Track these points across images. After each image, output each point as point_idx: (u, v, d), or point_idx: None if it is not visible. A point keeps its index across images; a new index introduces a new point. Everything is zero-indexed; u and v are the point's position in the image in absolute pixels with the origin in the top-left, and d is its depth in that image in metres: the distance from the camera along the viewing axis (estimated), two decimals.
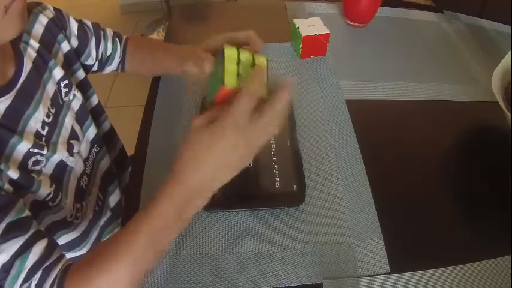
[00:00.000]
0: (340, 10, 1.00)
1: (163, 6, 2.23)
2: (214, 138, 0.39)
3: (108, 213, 0.73)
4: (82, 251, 0.67)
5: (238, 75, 0.43)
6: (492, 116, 0.73)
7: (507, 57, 0.71)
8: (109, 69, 0.74)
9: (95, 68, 0.72)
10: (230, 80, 0.41)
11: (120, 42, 0.73)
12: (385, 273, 0.54)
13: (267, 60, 0.45)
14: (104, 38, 0.70)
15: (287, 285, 0.53)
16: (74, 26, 0.65)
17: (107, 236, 0.74)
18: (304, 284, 0.53)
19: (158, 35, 2.18)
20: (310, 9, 1.02)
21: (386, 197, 0.62)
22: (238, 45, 0.47)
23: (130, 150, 0.83)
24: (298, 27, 0.82)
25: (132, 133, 0.80)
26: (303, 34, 0.81)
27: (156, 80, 0.80)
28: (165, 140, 0.69)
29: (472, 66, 0.88)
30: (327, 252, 0.56)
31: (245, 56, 0.44)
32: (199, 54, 0.61)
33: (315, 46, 0.84)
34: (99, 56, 0.70)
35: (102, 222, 0.71)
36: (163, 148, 0.67)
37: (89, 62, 0.69)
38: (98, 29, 0.70)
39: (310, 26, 0.83)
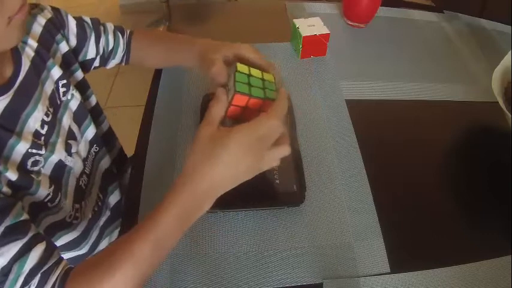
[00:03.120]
0: (340, 10, 1.00)
1: (163, 6, 2.23)
2: (219, 150, 0.42)
3: (108, 213, 0.73)
4: (82, 250, 0.67)
5: (250, 84, 0.47)
6: (492, 116, 0.73)
7: (507, 57, 0.71)
8: (113, 63, 0.74)
9: (97, 63, 0.72)
10: (242, 88, 0.46)
11: (122, 35, 0.72)
12: (385, 273, 0.54)
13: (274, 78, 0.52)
14: (105, 33, 0.70)
15: (287, 285, 0.53)
16: (72, 24, 0.65)
17: (107, 237, 0.73)
18: (304, 284, 0.53)
19: None
20: (310, 9, 1.02)
21: (386, 197, 0.62)
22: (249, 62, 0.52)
23: (130, 150, 0.83)
24: (298, 27, 0.82)
25: (132, 133, 0.80)
26: (303, 34, 0.81)
27: (156, 80, 0.80)
28: (165, 140, 0.69)
29: (472, 66, 0.88)
30: (327, 252, 0.56)
31: (255, 71, 0.50)
32: (211, 60, 0.60)
33: (315, 46, 0.84)
34: (101, 51, 0.70)
35: (101, 222, 0.71)
36: (163, 148, 0.67)
37: (90, 56, 0.69)
38: (97, 24, 0.69)
39: (310, 26, 0.83)
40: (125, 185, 0.82)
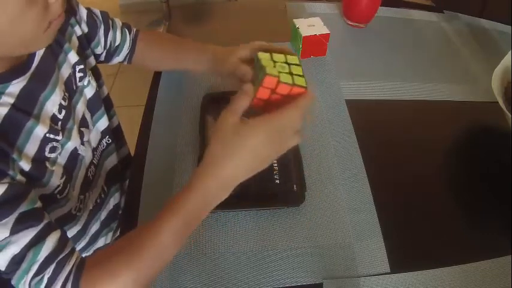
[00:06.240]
0: (340, 10, 1.00)
1: (163, 6, 2.23)
2: (240, 142, 0.42)
3: (107, 212, 0.73)
4: (81, 244, 0.67)
5: (277, 68, 0.46)
6: (492, 116, 0.73)
7: (507, 57, 0.71)
8: (116, 60, 0.73)
9: (102, 58, 0.71)
10: (272, 71, 0.45)
11: (129, 33, 0.72)
12: (385, 273, 0.54)
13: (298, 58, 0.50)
14: (113, 27, 0.69)
15: (287, 285, 0.53)
16: (83, 12, 0.64)
17: (104, 237, 0.73)
18: (304, 284, 0.53)
19: None
20: (310, 9, 1.02)
21: (386, 197, 0.62)
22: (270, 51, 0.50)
23: (130, 150, 0.83)
24: (298, 27, 0.82)
25: (132, 133, 0.80)
26: (303, 34, 0.81)
27: (156, 80, 0.80)
28: (165, 140, 0.69)
29: (472, 66, 0.88)
30: (327, 252, 0.56)
31: (278, 56, 0.49)
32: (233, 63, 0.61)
33: (315, 46, 0.84)
34: (108, 45, 0.69)
35: (102, 216, 0.71)
36: (163, 148, 0.67)
37: (98, 50, 0.69)
38: (106, 17, 0.69)
39: (310, 26, 0.83)
40: (125, 188, 0.81)
